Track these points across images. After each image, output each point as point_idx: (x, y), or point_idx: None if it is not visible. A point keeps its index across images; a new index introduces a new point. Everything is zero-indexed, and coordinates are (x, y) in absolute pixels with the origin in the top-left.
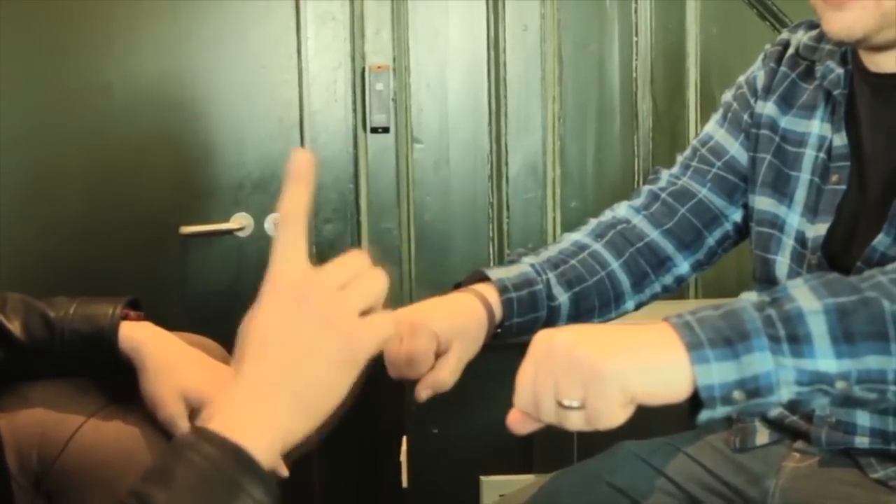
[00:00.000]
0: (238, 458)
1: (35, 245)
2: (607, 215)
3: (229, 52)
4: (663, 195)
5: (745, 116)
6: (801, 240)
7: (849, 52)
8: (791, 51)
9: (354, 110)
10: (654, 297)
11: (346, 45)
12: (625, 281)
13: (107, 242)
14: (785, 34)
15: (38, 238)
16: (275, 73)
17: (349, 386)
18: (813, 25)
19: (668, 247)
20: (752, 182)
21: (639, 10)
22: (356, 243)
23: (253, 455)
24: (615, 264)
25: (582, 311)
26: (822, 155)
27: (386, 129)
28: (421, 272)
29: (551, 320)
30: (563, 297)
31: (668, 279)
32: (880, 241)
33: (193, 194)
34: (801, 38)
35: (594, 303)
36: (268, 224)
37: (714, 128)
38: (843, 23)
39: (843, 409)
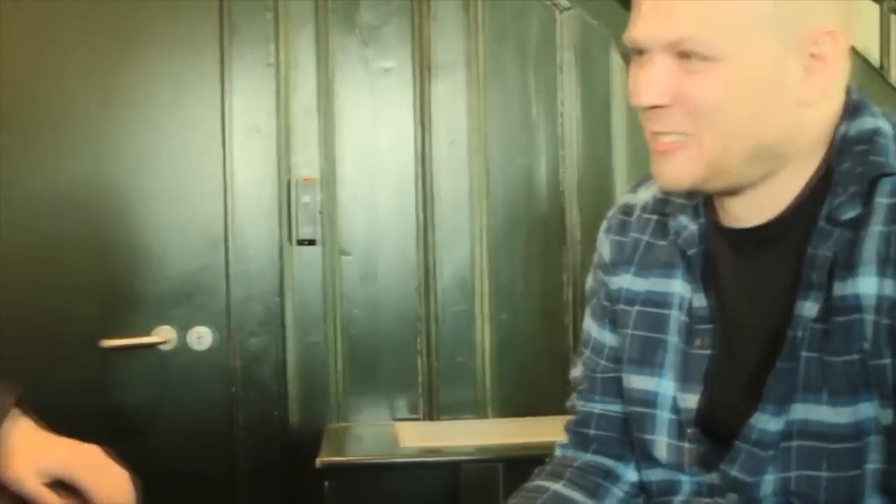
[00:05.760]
0: None
1: None
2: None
3: (154, 163)
4: (573, 428)
5: (604, 300)
6: (677, 409)
7: (700, 205)
8: (637, 213)
9: (280, 223)
10: None
11: (273, 158)
12: (575, 494)
13: (24, 353)
14: (626, 197)
15: None
16: (200, 184)
17: None
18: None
19: (606, 462)
20: (622, 360)
21: (565, 124)
22: (282, 357)
23: None
24: (557, 485)
25: None
26: (683, 317)
27: (313, 242)
28: (349, 387)
29: None
30: None
31: (625, 486)
32: (758, 418)
33: (115, 306)
34: (644, 196)
35: None
36: (191, 338)
37: (588, 322)
38: (669, 173)
39: None
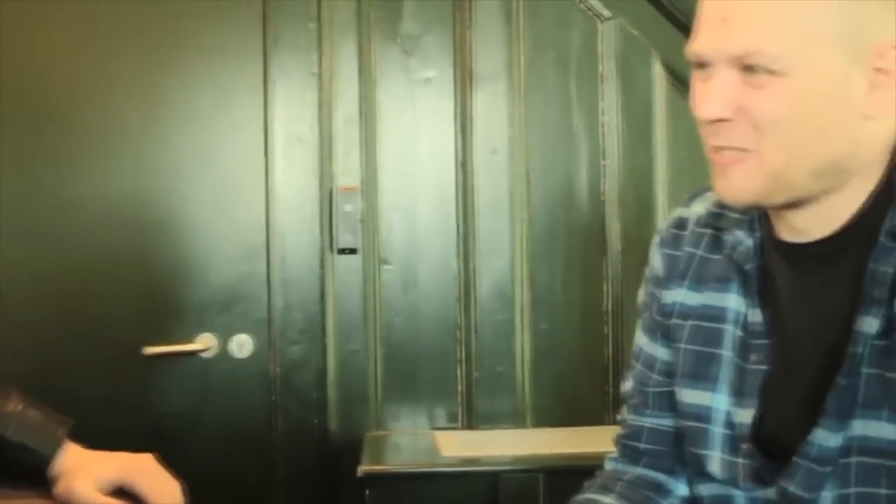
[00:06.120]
0: None
1: None
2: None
3: (196, 172)
4: (624, 441)
5: (657, 315)
6: (731, 424)
7: (756, 219)
8: (691, 227)
9: (322, 231)
10: None
11: (315, 167)
12: None
13: (68, 360)
14: (679, 210)
15: None
16: (242, 193)
17: None
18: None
19: (657, 476)
20: (674, 374)
21: (606, 133)
22: (322, 365)
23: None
24: (608, 499)
25: None
26: (738, 332)
27: (354, 251)
28: (389, 395)
29: None
30: None
31: (675, 500)
32: (817, 434)
33: (158, 314)
34: (698, 210)
35: None
36: (233, 345)
37: (640, 336)
38: (730, 187)
39: None
